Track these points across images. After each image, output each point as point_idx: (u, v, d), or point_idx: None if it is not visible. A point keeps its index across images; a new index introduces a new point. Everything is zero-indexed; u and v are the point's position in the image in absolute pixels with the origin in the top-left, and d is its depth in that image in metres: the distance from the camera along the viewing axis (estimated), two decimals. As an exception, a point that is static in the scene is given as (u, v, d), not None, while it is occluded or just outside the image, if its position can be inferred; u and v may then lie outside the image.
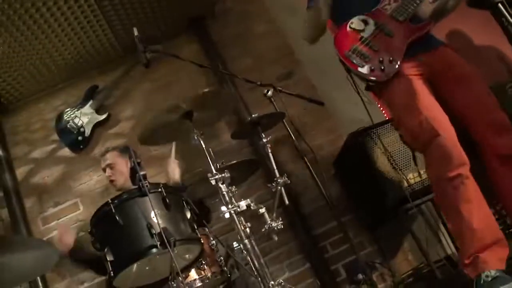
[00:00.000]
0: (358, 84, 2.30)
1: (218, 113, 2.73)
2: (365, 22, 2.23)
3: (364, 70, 2.13)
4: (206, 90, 2.44)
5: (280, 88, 3.04)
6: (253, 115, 2.80)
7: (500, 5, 1.48)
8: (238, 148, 3.75)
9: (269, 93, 3.04)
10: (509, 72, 3.55)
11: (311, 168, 2.96)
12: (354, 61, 2.14)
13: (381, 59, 2.12)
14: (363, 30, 2.21)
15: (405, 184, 2.97)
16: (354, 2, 2.34)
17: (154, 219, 1.99)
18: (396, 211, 3.07)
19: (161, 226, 1.97)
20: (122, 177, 3.03)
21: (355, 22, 2.24)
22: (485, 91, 2.14)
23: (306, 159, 3.00)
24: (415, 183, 2.96)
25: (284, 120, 3.02)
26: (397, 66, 2.11)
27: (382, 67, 2.11)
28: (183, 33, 4.29)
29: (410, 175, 3.00)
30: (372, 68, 2.11)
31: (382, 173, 3.02)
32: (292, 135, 3.05)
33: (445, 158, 1.94)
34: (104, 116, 4.06)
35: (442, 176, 1.95)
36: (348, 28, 2.23)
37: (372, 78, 2.12)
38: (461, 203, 1.89)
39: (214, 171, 2.32)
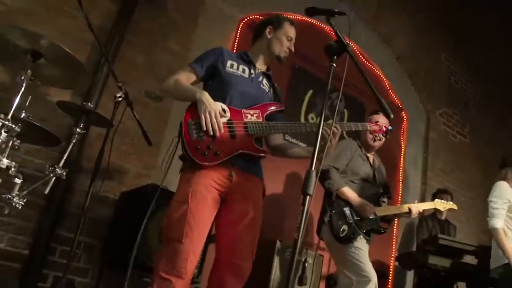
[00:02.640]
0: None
1: (66, 78, 2.61)
2: (224, 112, 2.27)
3: (190, 143, 2.18)
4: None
5: (131, 101, 3.01)
6: (89, 104, 2.76)
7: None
8: (59, 116, 3.37)
9: (119, 98, 2.95)
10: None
11: (94, 178, 2.90)
12: (190, 131, 2.20)
13: (210, 146, 2.19)
14: None
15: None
16: (232, 91, 2.39)
17: None
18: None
19: None
20: None
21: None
22: (247, 239, 2.24)
23: (97, 170, 2.94)
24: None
25: (110, 129, 2.97)
26: (215, 162, 2.18)
27: (206, 153, 2.17)
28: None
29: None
30: (198, 146, 2.17)
31: (145, 232, 3.09)
32: (104, 144, 2.97)
33: (170, 261, 2.06)
34: None
35: (158, 270, 2.07)
36: None
37: (188, 151, 2.16)
38: None
39: (9, 117, 2.22)
